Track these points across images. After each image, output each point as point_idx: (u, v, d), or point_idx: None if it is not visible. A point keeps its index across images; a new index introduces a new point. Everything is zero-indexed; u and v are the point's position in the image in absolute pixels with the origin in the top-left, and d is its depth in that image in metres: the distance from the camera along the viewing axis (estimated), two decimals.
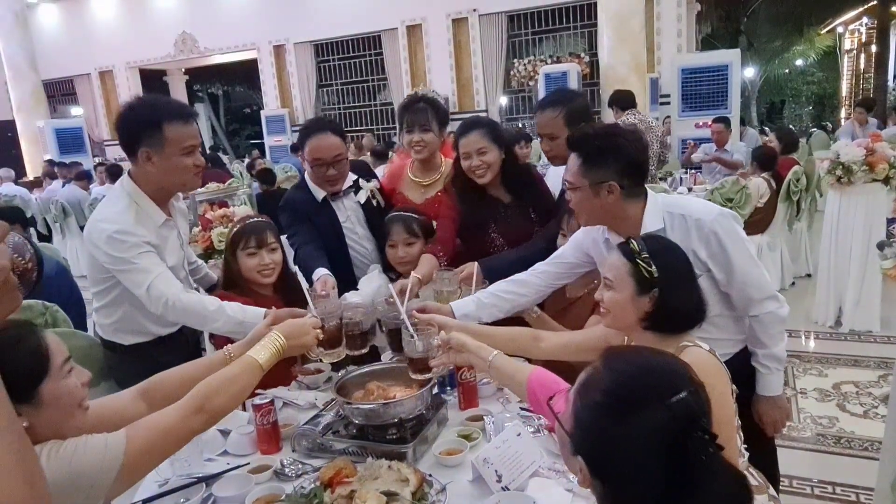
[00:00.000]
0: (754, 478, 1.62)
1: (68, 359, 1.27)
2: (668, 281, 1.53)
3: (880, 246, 2.28)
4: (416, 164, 2.69)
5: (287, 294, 2.27)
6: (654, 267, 1.52)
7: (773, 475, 2.05)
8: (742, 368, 1.83)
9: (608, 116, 5.33)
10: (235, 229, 2.29)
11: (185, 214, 2.36)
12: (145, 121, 1.98)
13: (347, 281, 2.46)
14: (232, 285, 2.27)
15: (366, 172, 2.73)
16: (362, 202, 2.59)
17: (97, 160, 12.72)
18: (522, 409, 1.79)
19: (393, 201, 2.69)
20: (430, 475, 1.51)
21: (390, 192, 2.73)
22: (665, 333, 1.55)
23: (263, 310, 1.92)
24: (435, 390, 1.81)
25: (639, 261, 1.53)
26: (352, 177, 2.58)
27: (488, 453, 1.48)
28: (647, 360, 1.00)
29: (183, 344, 2.26)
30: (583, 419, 0.96)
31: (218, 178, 6.93)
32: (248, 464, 1.66)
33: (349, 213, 2.58)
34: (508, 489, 1.44)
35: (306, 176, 2.60)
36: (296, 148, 11.05)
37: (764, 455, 1.95)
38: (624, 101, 5.81)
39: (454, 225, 2.48)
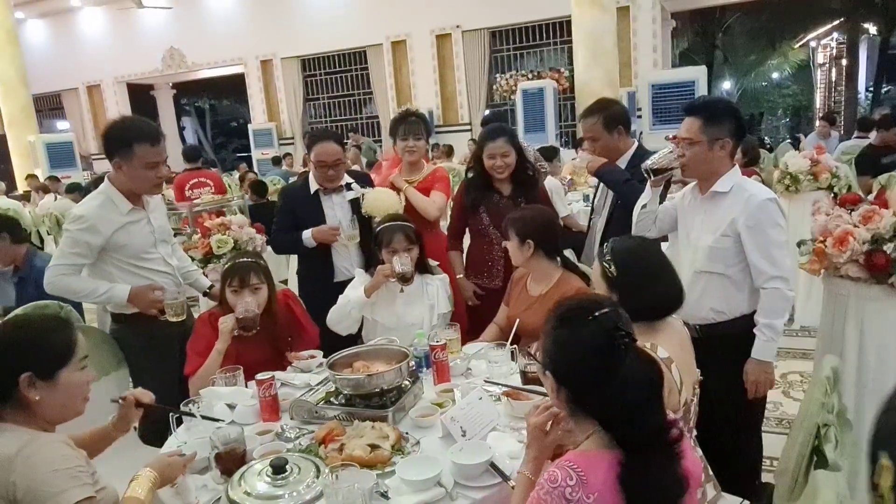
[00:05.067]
0: (706, 467, 1.81)
1: (86, 357, 1.55)
2: (624, 280, 1.79)
3: (799, 244, 2.62)
4: (405, 166, 3.27)
5: (271, 329, 2.42)
6: (612, 267, 1.83)
7: (756, 460, 2.45)
8: (745, 333, 2.24)
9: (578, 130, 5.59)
10: (228, 265, 2.50)
11: (161, 209, 2.74)
12: (118, 139, 2.44)
13: (325, 266, 3.00)
14: (221, 308, 2.50)
15: (367, 182, 3.21)
16: (348, 199, 3.05)
17: (86, 174, 12.88)
18: (486, 381, 2.10)
19: None
20: (407, 433, 1.81)
21: None
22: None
23: (128, 288, 2.43)
24: (413, 367, 2.11)
25: (603, 262, 1.86)
26: (347, 179, 3.08)
27: (455, 412, 1.78)
28: (580, 296, 1.48)
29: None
30: (546, 346, 1.34)
31: (211, 176, 7.08)
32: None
33: (335, 206, 3.05)
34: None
35: (310, 173, 3.10)
36: (278, 160, 11.37)
37: (749, 438, 2.39)
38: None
39: (461, 212, 3.09)
